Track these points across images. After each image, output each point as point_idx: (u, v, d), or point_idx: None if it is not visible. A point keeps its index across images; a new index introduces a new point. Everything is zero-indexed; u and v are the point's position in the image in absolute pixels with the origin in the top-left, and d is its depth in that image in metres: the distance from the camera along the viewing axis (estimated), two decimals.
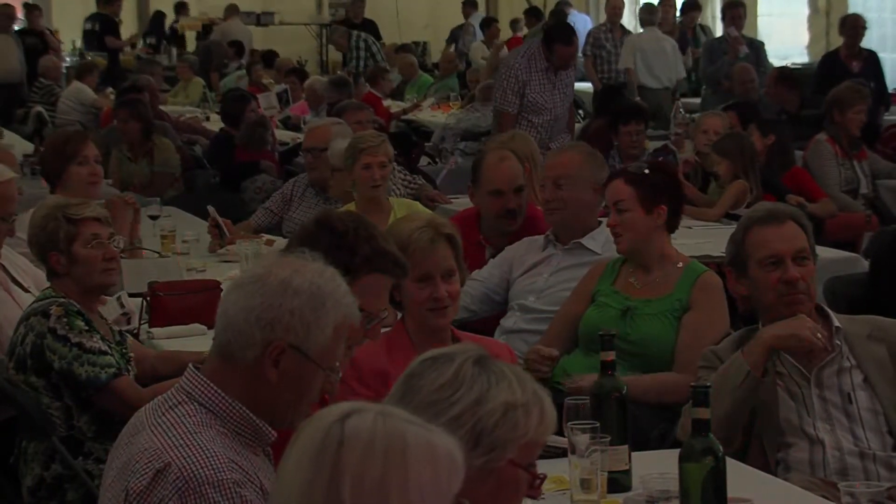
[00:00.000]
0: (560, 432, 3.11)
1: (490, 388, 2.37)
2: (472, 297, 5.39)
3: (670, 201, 4.87)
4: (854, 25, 12.00)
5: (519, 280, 5.44)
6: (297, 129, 12.77)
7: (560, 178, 5.41)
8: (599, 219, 5.55)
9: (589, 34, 14.48)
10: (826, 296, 5.24)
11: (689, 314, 4.76)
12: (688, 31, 15.24)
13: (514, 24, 20.24)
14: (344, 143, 6.65)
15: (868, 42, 12.54)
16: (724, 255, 4.30)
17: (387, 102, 14.61)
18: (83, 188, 6.10)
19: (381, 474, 1.93)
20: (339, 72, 16.95)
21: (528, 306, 5.34)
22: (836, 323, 3.99)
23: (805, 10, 18.69)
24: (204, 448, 2.62)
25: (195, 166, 10.67)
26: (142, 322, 5.27)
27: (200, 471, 2.59)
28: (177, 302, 5.29)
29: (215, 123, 12.38)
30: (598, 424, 3.40)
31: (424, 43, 21.06)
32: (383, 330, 4.20)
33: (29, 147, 10.67)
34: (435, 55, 20.20)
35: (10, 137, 11.59)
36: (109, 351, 4.50)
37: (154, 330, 5.22)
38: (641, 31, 14.73)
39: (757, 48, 12.89)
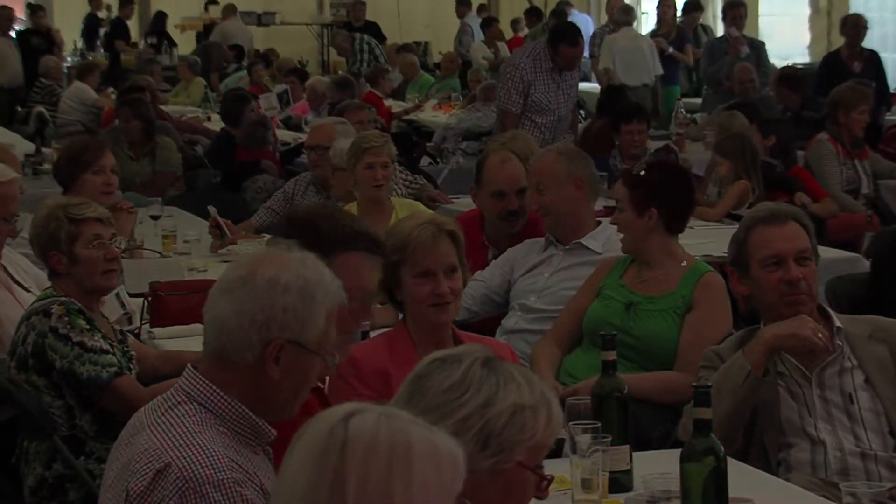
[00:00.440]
0: None
1: (498, 389, 2.37)
2: (474, 297, 5.40)
3: (663, 204, 4.86)
4: (855, 25, 12.00)
5: (520, 280, 5.44)
6: (298, 128, 12.77)
7: (539, 183, 5.45)
8: (600, 218, 5.56)
9: (595, 35, 14.51)
10: (827, 296, 5.24)
11: (691, 313, 4.77)
12: (689, 31, 15.24)
13: (514, 24, 20.24)
14: (347, 142, 6.65)
15: (869, 42, 12.54)
16: (725, 255, 4.30)
17: (388, 102, 14.62)
18: (96, 197, 6.07)
19: (385, 475, 1.93)
20: (339, 72, 16.97)
21: (529, 306, 5.34)
22: (838, 323, 3.99)
23: (806, 10, 18.69)
24: (204, 448, 2.62)
25: (196, 166, 10.67)
26: (143, 322, 5.27)
27: (200, 471, 2.59)
28: (178, 302, 5.29)
29: (216, 123, 12.38)
30: (599, 424, 3.40)
31: (425, 43, 21.06)
32: (384, 330, 4.21)
33: (30, 147, 10.66)
34: (436, 55, 20.22)
35: (12, 137, 11.60)
36: (111, 350, 4.50)
37: (155, 330, 5.22)
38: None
39: (758, 48, 12.90)
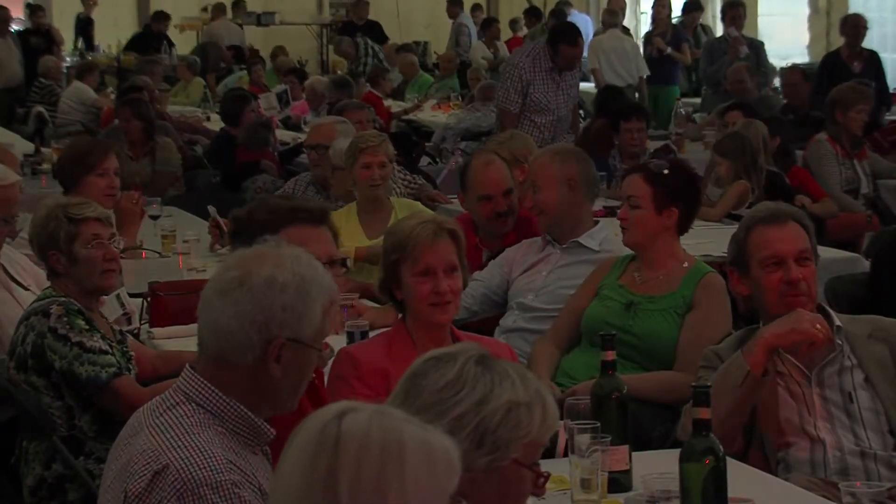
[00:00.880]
0: None
1: (493, 387, 2.37)
2: (473, 297, 5.40)
3: (683, 205, 4.87)
4: (855, 25, 11.99)
5: (518, 279, 5.45)
6: (297, 128, 12.77)
7: (534, 182, 5.48)
8: (598, 218, 5.56)
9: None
10: (827, 296, 5.24)
11: (691, 313, 4.77)
12: (689, 31, 15.25)
13: (512, 24, 20.24)
14: (346, 142, 6.66)
15: (869, 42, 12.54)
16: (725, 255, 4.30)
17: (388, 102, 14.62)
18: (98, 200, 6.07)
19: (378, 472, 1.93)
20: (339, 72, 16.97)
21: (527, 304, 5.34)
22: (837, 322, 3.99)
23: (805, 10, 18.69)
24: (202, 449, 2.62)
25: (196, 166, 10.67)
26: (142, 322, 5.26)
27: (198, 472, 2.59)
28: (177, 302, 5.28)
29: (216, 123, 12.38)
30: (598, 424, 3.40)
31: (425, 43, 21.05)
32: (384, 329, 4.21)
33: (29, 147, 10.66)
34: (434, 55, 20.19)
35: (11, 137, 11.60)
36: (110, 350, 4.50)
37: (154, 330, 5.21)
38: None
39: (757, 48, 12.90)
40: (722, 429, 3.45)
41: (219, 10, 19.87)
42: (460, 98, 14.56)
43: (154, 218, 7.05)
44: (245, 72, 17.36)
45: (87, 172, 6.20)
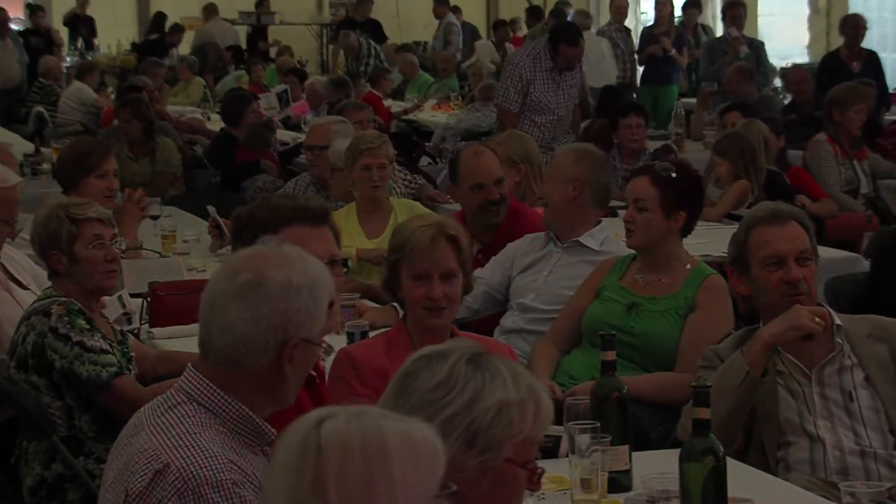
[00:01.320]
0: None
1: (484, 387, 2.35)
2: (475, 295, 5.39)
3: (690, 208, 4.87)
4: (855, 25, 12.00)
5: (519, 278, 5.45)
6: (297, 128, 12.77)
7: (547, 174, 5.53)
8: (602, 218, 5.56)
9: (602, 33, 14.56)
10: (826, 296, 5.24)
11: (693, 314, 4.77)
12: (688, 31, 15.25)
13: (512, 23, 20.22)
14: (345, 142, 6.66)
15: (868, 42, 12.54)
16: (724, 255, 4.30)
17: (387, 102, 14.62)
18: (97, 201, 6.08)
19: (364, 473, 1.93)
20: (338, 71, 16.96)
21: (527, 305, 5.34)
22: (837, 321, 3.99)
23: (805, 10, 18.69)
24: (203, 448, 2.62)
25: (196, 166, 10.67)
26: (142, 322, 5.26)
27: (199, 471, 2.59)
28: (177, 302, 5.28)
29: (216, 123, 12.38)
30: (598, 424, 3.40)
31: (425, 43, 21.04)
32: (384, 329, 4.21)
33: (29, 147, 10.66)
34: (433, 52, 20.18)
35: (11, 137, 11.59)
36: (111, 350, 4.50)
37: (154, 330, 5.21)
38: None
39: (757, 48, 12.89)
40: (722, 429, 3.46)
41: (210, 10, 19.83)
42: (460, 98, 14.56)
43: (154, 218, 7.05)
44: (243, 71, 17.35)
45: (87, 173, 6.20)
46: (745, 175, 7.69)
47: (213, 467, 2.60)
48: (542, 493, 3.36)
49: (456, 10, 19.90)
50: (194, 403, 2.71)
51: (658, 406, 4.59)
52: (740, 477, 3.41)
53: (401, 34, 20.49)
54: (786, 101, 12.35)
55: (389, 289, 4.00)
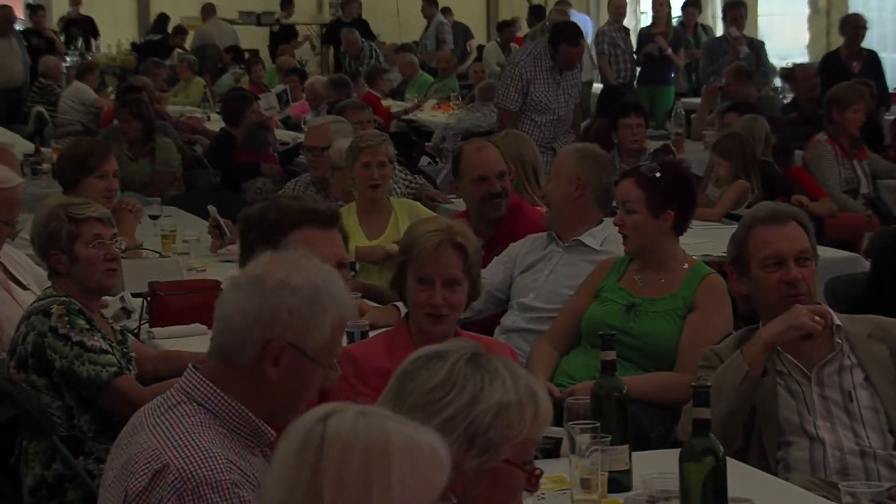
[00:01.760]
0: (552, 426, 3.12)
1: (483, 387, 2.35)
2: None
3: (679, 206, 4.87)
4: (855, 25, 12.00)
5: (520, 278, 5.45)
6: (297, 128, 12.76)
7: (551, 173, 5.58)
8: (605, 218, 5.56)
9: (603, 33, 14.53)
10: (826, 296, 5.24)
11: (692, 314, 4.77)
12: (688, 30, 15.25)
13: (513, 23, 20.19)
14: (346, 142, 6.66)
15: (868, 42, 12.54)
16: (724, 255, 4.30)
17: (387, 102, 14.61)
18: (97, 201, 6.09)
19: (362, 473, 1.92)
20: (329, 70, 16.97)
21: (528, 304, 5.35)
22: (837, 321, 3.99)
23: (805, 10, 18.69)
24: (202, 448, 2.62)
25: (196, 166, 10.67)
26: (142, 322, 5.27)
27: (198, 471, 2.59)
28: (177, 302, 5.29)
29: (216, 123, 12.38)
30: (598, 424, 3.40)
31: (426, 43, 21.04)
32: (384, 329, 4.21)
33: (29, 147, 10.66)
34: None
35: (11, 137, 11.59)
36: (111, 350, 4.50)
37: (154, 330, 5.21)
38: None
39: (757, 48, 12.89)
40: (722, 428, 3.46)
41: (208, 10, 19.82)
42: (460, 98, 14.56)
43: (154, 218, 7.05)
44: (241, 71, 17.33)
45: (87, 174, 6.20)
46: (744, 175, 7.70)
47: (213, 467, 2.60)
48: (542, 494, 3.37)
49: (447, 10, 19.92)
50: (194, 403, 2.70)
51: (658, 406, 4.59)
52: (740, 477, 3.41)
53: (400, 34, 20.48)
54: (785, 101, 12.35)
55: (396, 288, 4.00)
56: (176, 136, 10.78)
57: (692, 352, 4.49)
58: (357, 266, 6.07)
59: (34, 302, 4.64)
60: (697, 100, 13.19)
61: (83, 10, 20.45)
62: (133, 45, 20.92)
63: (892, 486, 3.56)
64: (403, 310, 4.15)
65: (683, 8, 15.65)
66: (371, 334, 4.56)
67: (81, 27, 20.09)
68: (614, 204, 5.08)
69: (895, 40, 17.17)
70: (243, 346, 2.68)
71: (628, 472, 3.50)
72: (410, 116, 14.39)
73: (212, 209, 6.77)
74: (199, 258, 6.45)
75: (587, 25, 17.02)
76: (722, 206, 7.61)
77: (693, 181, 5.23)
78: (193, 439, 2.64)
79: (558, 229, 5.46)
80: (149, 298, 5.31)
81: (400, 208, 6.41)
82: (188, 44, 19.77)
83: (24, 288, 5.31)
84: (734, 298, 4.46)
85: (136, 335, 5.10)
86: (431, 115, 14.14)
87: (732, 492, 3.17)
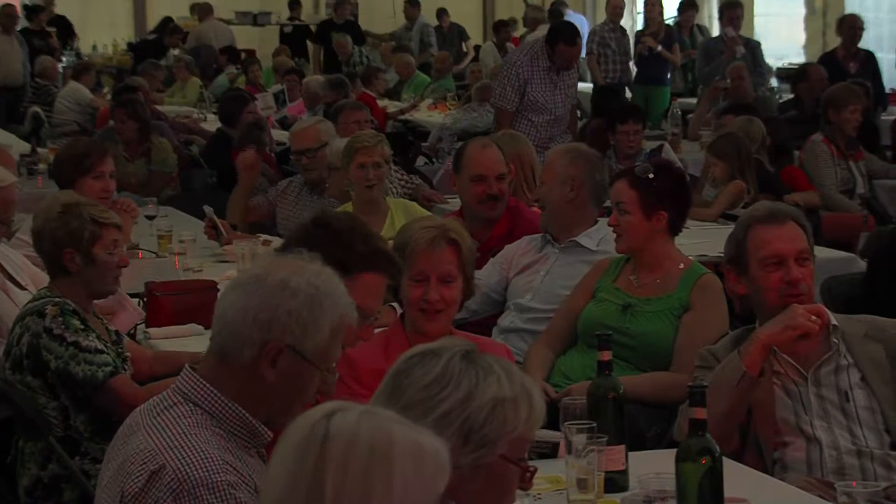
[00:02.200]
0: (549, 428, 3.12)
1: (478, 383, 2.36)
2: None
3: (672, 207, 4.87)
4: (851, 26, 12.01)
5: (516, 279, 5.46)
6: None
7: (543, 174, 5.57)
8: (600, 218, 5.57)
9: (594, 32, 14.53)
10: (822, 295, 5.24)
11: (687, 315, 4.77)
12: (685, 31, 15.25)
13: (512, 23, 20.20)
14: (342, 141, 6.66)
15: (865, 42, 12.55)
16: (720, 255, 4.30)
17: (383, 102, 14.61)
18: None
19: (364, 472, 1.92)
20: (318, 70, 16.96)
21: (524, 305, 5.35)
22: (833, 322, 3.99)
23: (802, 10, 18.68)
24: (198, 449, 2.62)
25: (192, 166, 10.66)
26: (138, 322, 5.26)
27: (195, 472, 2.59)
28: (174, 302, 5.29)
29: (212, 123, 12.37)
30: (594, 424, 3.40)
31: None
32: (381, 329, 4.21)
33: (26, 147, 10.66)
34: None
35: (8, 138, 11.59)
36: (106, 350, 4.50)
37: (151, 330, 5.21)
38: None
39: (754, 48, 12.90)
40: (718, 429, 3.45)
41: (205, 10, 19.79)
42: (457, 98, 14.56)
43: (150, 218, 7.05)
44: (237, 71, 17.33)
45: (84, 174, 6.20)
46: (740, 175, 7.71)
47: (209, 468, 2.60)
48: (539, 494, 3.37)
49: (443, 11, 19.91)
50: (190, 404, 2.70)
51: (654, 406, 4.59)
52: (736, 477, 3.41)
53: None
54: (780, 101, 12.35)
55: (392, 288, 3.99)
56: (172, 137, 10.77)
57: (688, 352, 4.49)
58: None
59: (28, 303, 4.64)
60: (693, 100, 13.21)
61: (58, 10, 20.38)
62: (129, 45, 20.90)
63: (888, 486, 3.56)
64: (399, 310, 4.15)
65: (680, 10, 15.65)
66: None
67: (55, 25, 20.03)
68: (607, 203, 5.09)
69: (892, 41, 17.17)
70: (241, 347, 2.68)
71: (625, 473, 3.50)
72: (407, 117, 14.39)
73: (208, 209, 6.77)
74: (195, 258, 6.45)
75: (583, 26, 17.03)
76: (718, 207, 7.62)
77: (688, 181, 5.23)
78: (190, 440, 2.63)
79: (554, 231, 5.46)
80: (145, 298, 5.32)
81: (396, 208, 6.41)
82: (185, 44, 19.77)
83: (22, 288, 5.30)
84: (730, 298, 4.46)
85: (133, 336, 5.10)
86: (428, 115, 14.15)
87: (729, 492, 3.17)
